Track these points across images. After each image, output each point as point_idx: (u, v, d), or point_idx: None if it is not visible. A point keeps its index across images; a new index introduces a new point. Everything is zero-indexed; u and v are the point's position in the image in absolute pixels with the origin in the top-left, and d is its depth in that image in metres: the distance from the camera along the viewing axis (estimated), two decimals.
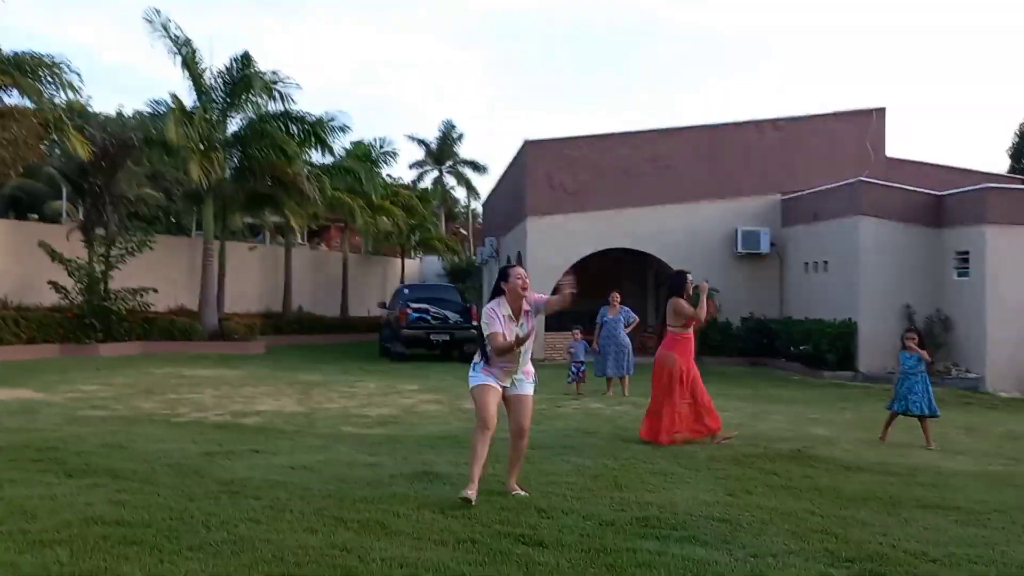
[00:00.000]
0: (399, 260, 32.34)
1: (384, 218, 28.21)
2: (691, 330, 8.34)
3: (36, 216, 29.88)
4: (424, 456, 7.23)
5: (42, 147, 14.70)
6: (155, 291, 18.83)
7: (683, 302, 8.19)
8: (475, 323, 18.81)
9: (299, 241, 28.99)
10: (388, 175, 32.24)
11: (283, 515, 5.21)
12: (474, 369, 5.73)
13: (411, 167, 46.13)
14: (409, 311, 18.34)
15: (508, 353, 5.60)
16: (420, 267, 34.74)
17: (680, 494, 6.03)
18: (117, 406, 10.14)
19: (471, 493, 5.33)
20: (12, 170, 14.33)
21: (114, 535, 4.60)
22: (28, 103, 15.09)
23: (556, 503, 5.54)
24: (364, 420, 9.49)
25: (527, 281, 5.68)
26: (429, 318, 18.48)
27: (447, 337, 18.53)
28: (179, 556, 4.35)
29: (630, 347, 12.59)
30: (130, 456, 6.92)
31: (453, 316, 18.83)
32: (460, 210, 51.36)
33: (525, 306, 5.69)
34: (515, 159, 22.86)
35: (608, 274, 19.55)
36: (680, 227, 20.46)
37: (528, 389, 5.77)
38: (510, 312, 5.66)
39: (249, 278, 25.44)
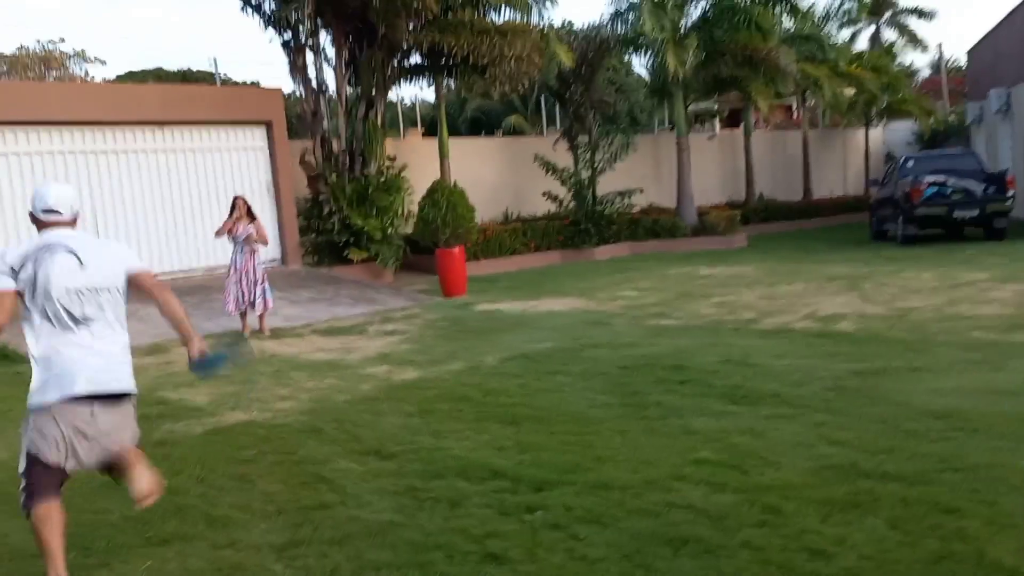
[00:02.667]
0: (861, 131, 28.78)
1: (846, 87, 25.00)
2: None
3: (502, 132, 32.35)
4: None
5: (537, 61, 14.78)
6: (641, 191, 18.78)
7: None
8: (1010, 193, 15.61)
9: (757, 125, 27.17)
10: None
11: None
12: None
13: (840, 27, 40.80)
14: (923, 186, 15.69)
15: None
16: (883, 136, 30.61)
17: None
18: (677, 313, 9.76)
19: None
20: (518, 84, 14.80)
21: (909, 495, 3.68)
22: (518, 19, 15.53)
23: None
24: (984, 323, 7.76)
25: None
26: (949, 192, 15.64)
27: (974, 213, 15.58)
28: None
29: None
30: (769, 375, 6.21)
31: (977, 187, 15.73)
32: (897, 67, 44.42)
33: None
34: None
35: None
36: None
37: None
38: None
39: (708, 169, 24.51)
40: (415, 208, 16.40)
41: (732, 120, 37.28)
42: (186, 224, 13.78)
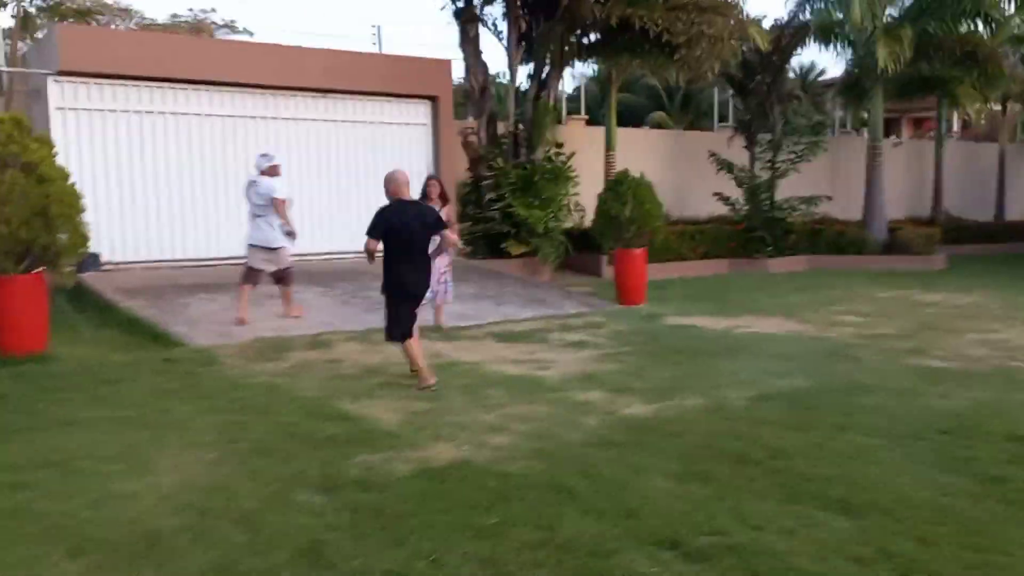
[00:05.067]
0: None
1: None
2: None
3: (648, 127, 30.45)
4: None
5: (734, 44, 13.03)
6: (828, 199, 16.69)
7: None
8: None
9: (951, 132, 24.37)
10: None
11: None
12: None
13: None
14: None
15: None
16: None
17: None
18: (935, 351, 7.90)
19: None
20: (708, 68, 13.06)
21: None
22: None
23: None
24: None
25: None
26: None
27: None
28: None
29: None
30: None
31: None
32: None
33: None
34: None
35: None
36: None
37: None
38: None
39: (889, 179, 21.96)
40: (579, 200, 15.01)
41: (886, 131, 34.02)
42: (339, 202, 12.79)
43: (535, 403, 5.85)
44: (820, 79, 26.87)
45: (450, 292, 8.93)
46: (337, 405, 5.69)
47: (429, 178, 8.89)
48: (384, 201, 6.42)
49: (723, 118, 24.09)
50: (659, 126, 31.41)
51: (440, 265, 8.75)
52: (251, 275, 8.70)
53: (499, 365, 7.20)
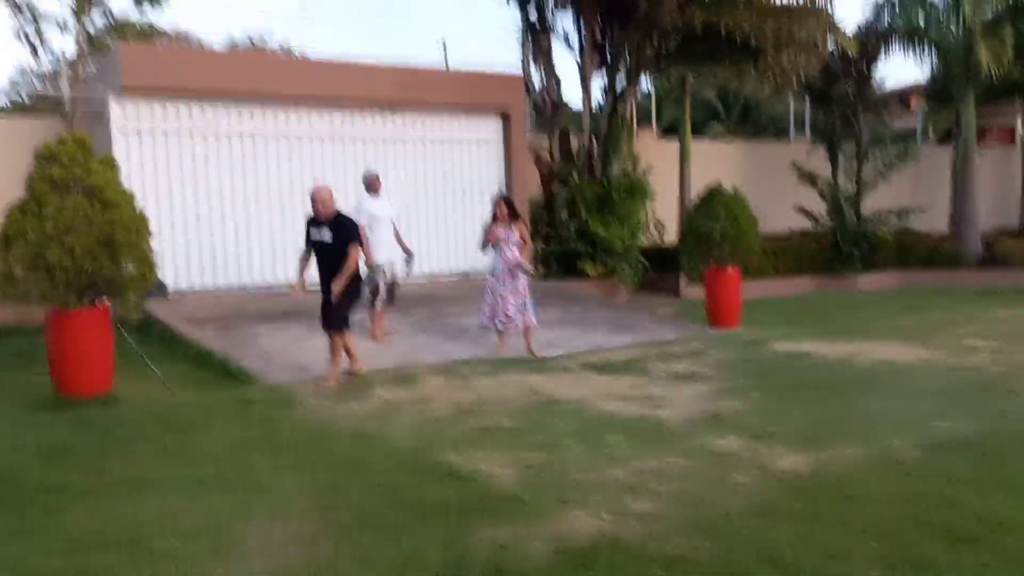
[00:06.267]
0: None
1: None
2: None
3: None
4: None
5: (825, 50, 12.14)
6: (921, 211, 15.61)
7: None
8: None
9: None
10: None
11: None
12: None
13: None
14: None
15: None
16: None
17: None
18: None
19: None
20: (795, 73, 12.18)
21: None
22: None
23: None
24: None
25: None
26: None
27: None
28: None
29: None
30: None
31: None
32: None
33: None
34: None
35: None
36: None
37: None
38: None
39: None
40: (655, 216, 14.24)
41: (944, 139, 32.48)
42: (409, 224, 12.11)
43: (666, 453, 5.04)
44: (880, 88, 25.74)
45: (530, 312, 8.34)
46: (439, 458, 4.94)
47: (496, 199, 8.46)
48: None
49: (785, 129, 23.10)
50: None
51: (519, 288, 8.23)
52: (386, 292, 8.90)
53: (607, 403, 6.40)
